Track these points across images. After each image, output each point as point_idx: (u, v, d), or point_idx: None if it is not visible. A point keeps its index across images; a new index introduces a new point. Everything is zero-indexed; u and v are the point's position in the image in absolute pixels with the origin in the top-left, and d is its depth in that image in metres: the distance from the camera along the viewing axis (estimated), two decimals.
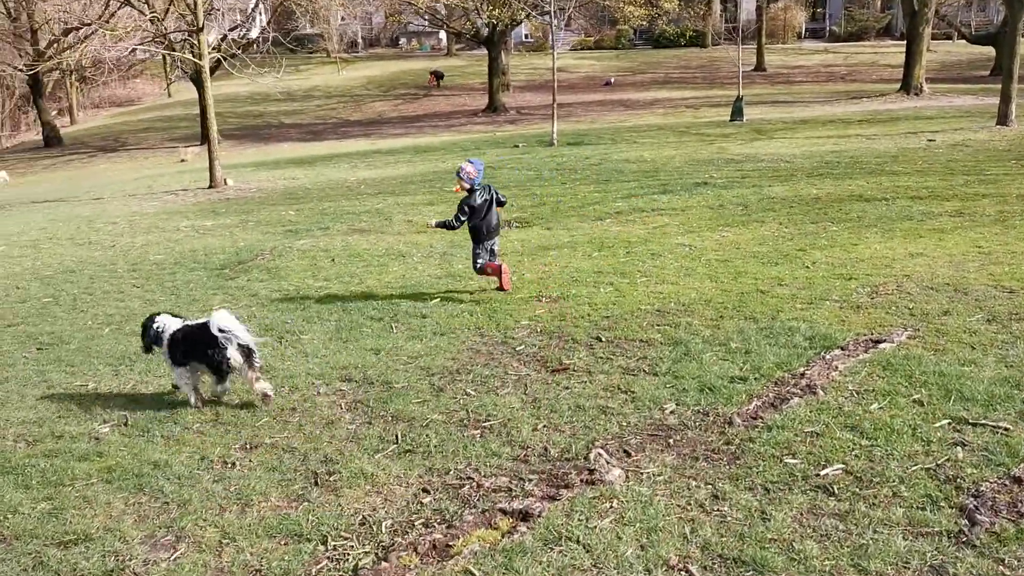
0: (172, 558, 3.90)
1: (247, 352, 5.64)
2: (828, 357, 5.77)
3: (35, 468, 4.96)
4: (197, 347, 5.70)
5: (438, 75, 46.62)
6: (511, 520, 3.93)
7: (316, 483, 4.54)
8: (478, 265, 8.25)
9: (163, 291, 9.57)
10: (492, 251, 8.31)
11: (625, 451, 4.60)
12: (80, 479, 4.79)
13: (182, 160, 29.67)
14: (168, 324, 5.98)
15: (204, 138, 19.27)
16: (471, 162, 8.15)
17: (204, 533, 4.10)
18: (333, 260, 10.43)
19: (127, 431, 5.49)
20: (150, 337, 6.03)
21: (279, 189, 18.06)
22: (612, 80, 44.24)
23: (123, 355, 7.24)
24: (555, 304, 7.71)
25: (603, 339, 6.61)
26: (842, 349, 5.92)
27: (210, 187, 18.50)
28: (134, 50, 29.08)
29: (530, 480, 4.34)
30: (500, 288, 8.24)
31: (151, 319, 6.11)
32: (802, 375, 5.47)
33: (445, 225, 8.22)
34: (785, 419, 4.80)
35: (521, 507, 4.00)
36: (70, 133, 43.68)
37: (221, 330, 5.55)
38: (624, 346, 6.41)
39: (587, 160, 18.04)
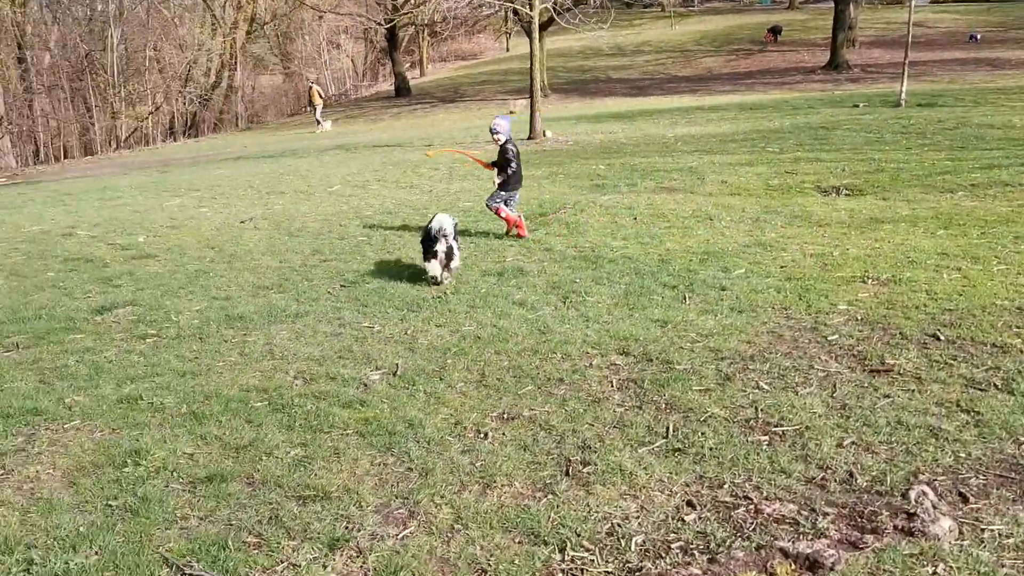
0: (399, 536, 3.55)
1: (449, 252, 7.58)
2: None
3: (302, 409, 4.90)
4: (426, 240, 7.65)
5: (775, 30, 43.78)
6: (793, 567, 3.08)
7: (567, 473, 3.98)
8: (494, 206, 9.35)
9: (463, 238, 9.54)
10: (510, 202, 9.37)
11: (961, 494, 3.52)
12: (338, 428, 4.64)
13: (511, 112, 30.53)
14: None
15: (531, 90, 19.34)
16: (503, 118, 9.49)
17: (438, 512, 3.70)
18: (635, 218, 9.81)
19: (394, 381, 5.31)
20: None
21: (594, 143, 17.73)
22: (978, 36, 38.80)
23: (414, 300, 7.18)
24: (883, 288, 6.48)
25: (941, 338, 5.36)
26: None
27: (528, 138, 18.62)
28: (480, 5, 30.23)
29: (825, 514, 3.44)
30: (518, 235, 9.25)
31: (434, 216, 7.95)
32: None
33: (504, 172, 9.19)
34: None
35: (809, 551, 3.13)
36: (418, 84, 46.97)
37: (437, 231, 7.54)
38: (969, 350, 5.14)
39: (940, 123, 15.68)
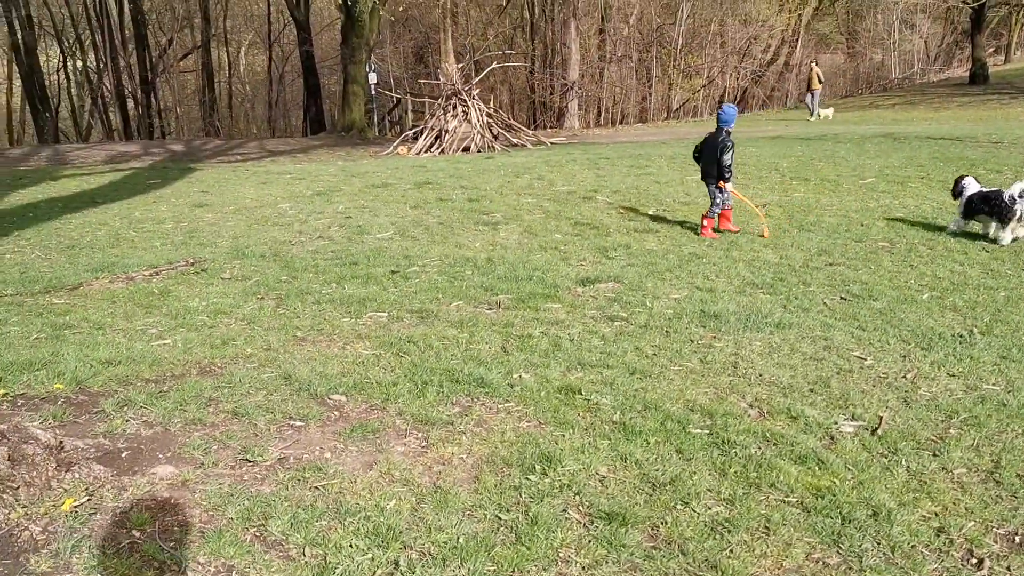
0: None
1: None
2: None
3: (743, 452, 4.04)
4: (987, 204, 8.50)
5: None
6: None
7: None
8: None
9: (1014, 264, 7.63)
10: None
11: None
12: (779, 490, 3.70)
13: None
14: (968, 186, 8.79)
15: None
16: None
17: None
18: None
19: (870, 441, 4.17)
20: (957, 188, 8.93)
21: None
22: None
23: (927, 333, 5.79)
24: None
25: None
26: None
27: None
28: None
29: None
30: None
31: (961, 177, 9.01)
32: None
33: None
34: None
35: None
36: (999, 72, 41.18)
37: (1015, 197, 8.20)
38: None
39: None
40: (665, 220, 10.09)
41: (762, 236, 9.12)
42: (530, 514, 3.43)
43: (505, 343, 5.63)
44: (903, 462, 3.94)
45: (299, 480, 3.63)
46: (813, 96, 28.81)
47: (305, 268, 7.77)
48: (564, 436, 4.14)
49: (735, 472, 3.84)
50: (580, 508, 3.52)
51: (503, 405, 4.53)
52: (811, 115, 28.54)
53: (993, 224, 8.50)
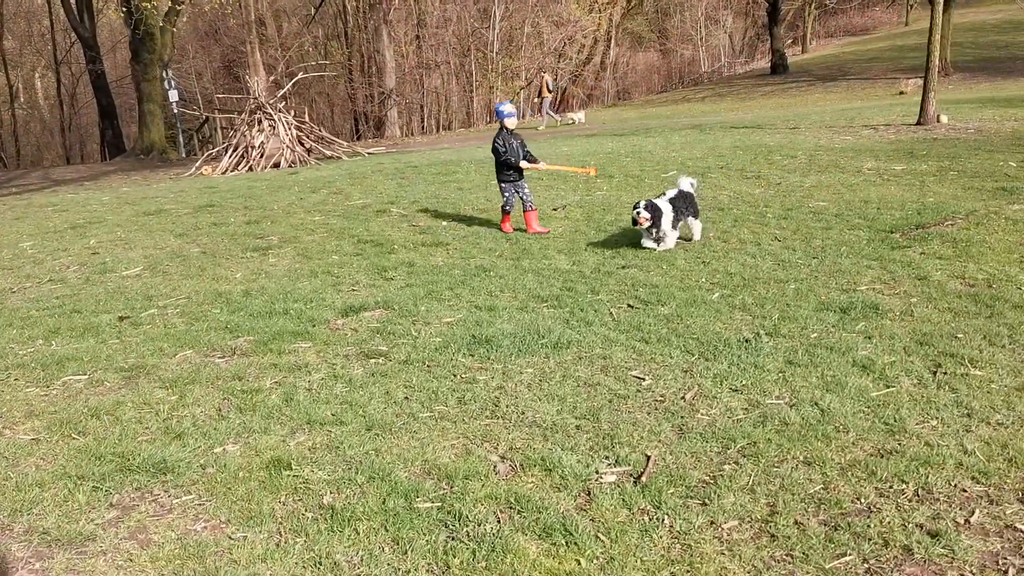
0: None
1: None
2: None
3: (477, 530, 3.23)
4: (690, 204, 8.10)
5: None
6: None
7: None
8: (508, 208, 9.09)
9: (805, 252, 7.27)
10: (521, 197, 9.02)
11: None
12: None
13: (901, 92, 26.46)
14: (660, 201, 7.87)
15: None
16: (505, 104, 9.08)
17: None
18: None
19: (632, 494, 3.44)
20: (655, 211, 7.76)
21: (1004, 132, 13.91)
22: None
23: (713, 340, 5.22)
24: None
25: None
26: None
27: (918, 123, 15.25)
28: None
29: None
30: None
31: (650, 202, 7.84)
32: None
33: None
34: None
35: None
36: (798, 62, 43.26)
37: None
38: None
39: None
40: (459, 230, 9.32)
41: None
42: None
43: (223, 403, 4.63)
44: (666, 520, 3.23)
45: None
46: (543, 103, 29.23)
47: (11, 322, 6.46)
48: (247, 539, 3.19)
49: (460, 563, 3.01)
50: None
51: (180, 499, 3.52)
52: (556, 121, 28.94)
53: (694, 223, 8.21)
